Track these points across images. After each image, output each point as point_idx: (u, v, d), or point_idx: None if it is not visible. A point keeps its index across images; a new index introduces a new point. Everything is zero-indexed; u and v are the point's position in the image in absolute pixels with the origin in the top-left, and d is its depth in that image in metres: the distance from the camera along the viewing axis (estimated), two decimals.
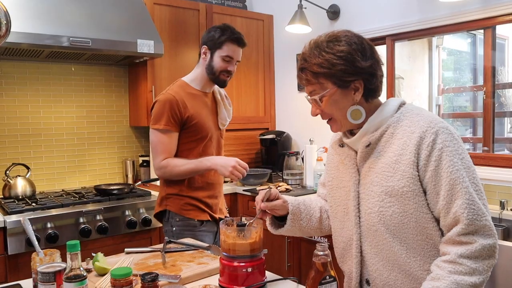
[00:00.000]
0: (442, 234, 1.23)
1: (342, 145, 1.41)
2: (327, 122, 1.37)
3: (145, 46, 2.93)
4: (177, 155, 2.14)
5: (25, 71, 3.09)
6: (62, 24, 2.67)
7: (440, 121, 1.24)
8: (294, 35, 3.59)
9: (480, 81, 3.67)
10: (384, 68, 1.36)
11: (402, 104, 1.33)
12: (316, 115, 1.36)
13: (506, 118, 4.16)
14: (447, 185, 1.17)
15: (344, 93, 1.29)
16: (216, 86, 2.27)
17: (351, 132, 1.39)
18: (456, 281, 1.13)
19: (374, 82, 1.30)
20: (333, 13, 3.37)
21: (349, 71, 1.25)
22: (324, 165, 3.14)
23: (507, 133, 4.18)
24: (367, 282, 1.35)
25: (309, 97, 1.34)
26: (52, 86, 3.20)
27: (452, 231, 1.18)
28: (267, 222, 1.54)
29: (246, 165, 2.05)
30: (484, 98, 2.81)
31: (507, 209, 2.46)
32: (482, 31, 2.85)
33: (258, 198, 1.44)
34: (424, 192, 1.22)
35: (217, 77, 2.16)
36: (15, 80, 3.05)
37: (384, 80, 1.40)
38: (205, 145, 2.18)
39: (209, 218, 2.20)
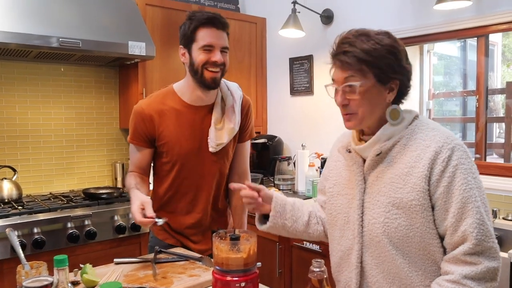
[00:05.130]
0: (444, 252, 1.21)
1: (349, 150, 1.38)
2: (345, 115, 1.30)
3: (137, 48, 2.88)
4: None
5: (12, 71, 3.02)
6: (51, 24, 2.61)
7: (455, 138, 1.23)
8: (287, 39, 3.57)
9: (470, 86, 3.68)
10: None
11: (416, 116, 1.32)
12: (343, 105, 1.28)
13: (494, 124, 4.18)
14: (459, 202, 1.16)
15: (380, 90, 1.25)
16: (228, 97, 1.88)
17: (360, 139, 1.36)
18: None
19: (407, 87, 1.29)
20: (327, 17, 3.35)
21: (394, 68, 1.23)
22: (316, 170, 3.13)
23: (496, 138, 4.20)
24: None
25: (331, 86, 1.29)
26: (41, 87, 3.13)
27: (458, 249, 1.16)
28: (255, 219, 1.55)
29: (152, 214, 1.61)
30: (477, 105, 2.82)
31: (499, 218, 2.47)
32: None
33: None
34: (432, 207, 1.20)
35: (201, 76, 1.74)
36: (2, 80, 2.98)
37: None
38: (181, 172, 1.85)
39: (180, 245, 1.92)
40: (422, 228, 1.20)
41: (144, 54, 2.91)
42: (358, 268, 1.32)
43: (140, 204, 1.64)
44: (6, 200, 2.78)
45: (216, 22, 1.73)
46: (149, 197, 1.71)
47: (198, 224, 1.93)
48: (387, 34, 1.27)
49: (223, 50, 1.76)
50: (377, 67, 1.22)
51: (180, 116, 1.82)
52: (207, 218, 1.94)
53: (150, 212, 1.61)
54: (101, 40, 2.76)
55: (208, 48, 1.72)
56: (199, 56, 1.73)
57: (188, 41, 1.75)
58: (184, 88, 1.86)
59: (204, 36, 1.72)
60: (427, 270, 1.22)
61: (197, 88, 1.81)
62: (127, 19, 2.97)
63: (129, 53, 2.85)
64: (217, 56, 1.73)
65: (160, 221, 1.62)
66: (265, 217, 1.52)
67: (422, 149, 1.22)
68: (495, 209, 2.46)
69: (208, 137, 1.84)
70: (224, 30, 1.76)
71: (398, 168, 1.25)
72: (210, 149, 1.85)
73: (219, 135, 1.84)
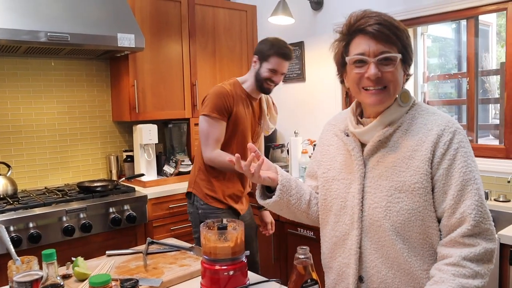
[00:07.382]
0: (440, 236, 1.22)
1: (347, 134, 1.36)
2: (372, 90, 1.24)
3: (126, 40, 2.87)
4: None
5: (2, 67, 3.01)
6: (39, 19, 2.60)
7: (455, 122, 1.25)
8: (277, 26, 3.55)
9: (465, 68, 3.68)
10: None
11: (414, 102, 1.33)
12: (376, 77, 1.21)
13: (490, 105, 4.18)
14: (459, 185, 1.16)
15: (401, 70, 1.27)
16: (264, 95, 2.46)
17: (357, 122, 1.35)
18: (461, 284, 1.12)
19: (409, 74, 1.31)
20: (317, 3, 3.33)
21: (411, 52, 1.27)
22: (309, 156, 3.14)
23: (492, 119, 4.21)
24: (360, 279, 1.31)
25: (360, 57, 1.23)
26: (32, 82, 3.13)
27: (456, 232, 1.16)
28: (256, 192, 1.45)
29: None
30: (468, 87, 2.81)
31: (490, 199, 2.48)
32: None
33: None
34: (432, 189, 1.21)
35: (261, 85, 2.32)
36: None
37: None
38: (239, 143, 2.33)
39: (229, 207, 2.40)
40: (424, 212, 1.20)
41: (134, 46, 2.90)
42: (358, 254, 1.30)
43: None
44: (1, 196, 2.79)
45: (287, 56, 2.27)
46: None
47: (244, 191, 2.45)
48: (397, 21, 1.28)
49: (282, 74, 2.33)
50: (405, 45, 1.24)
51: (244, 102, 2.36)
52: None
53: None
54: (90, 33, 2.74)
55: (274, 71, 2.28)
56: (265, 73, 2.29)
57: (262, 57, 2.29)
58: (247, 81, 2.38)
59: (274, 63, 2.26)
60: (425, 255, 1.23)
61: (255, 86, 2.36)
62: (116, 11, 2.95)
63: (118, 45, 2.84)
64: (277, 79, 2.32)
65: None
66: (267, 191, 1.44)
67: (424, 133, 1.23)
68: (486, 190, 2.47)
69: (262, 126, 2.50)
70: (289, 60, 2.31)
71: (400, 152, 1.25)
72: (264, 133, 2.59)
73: (272, 122, 2.56)
